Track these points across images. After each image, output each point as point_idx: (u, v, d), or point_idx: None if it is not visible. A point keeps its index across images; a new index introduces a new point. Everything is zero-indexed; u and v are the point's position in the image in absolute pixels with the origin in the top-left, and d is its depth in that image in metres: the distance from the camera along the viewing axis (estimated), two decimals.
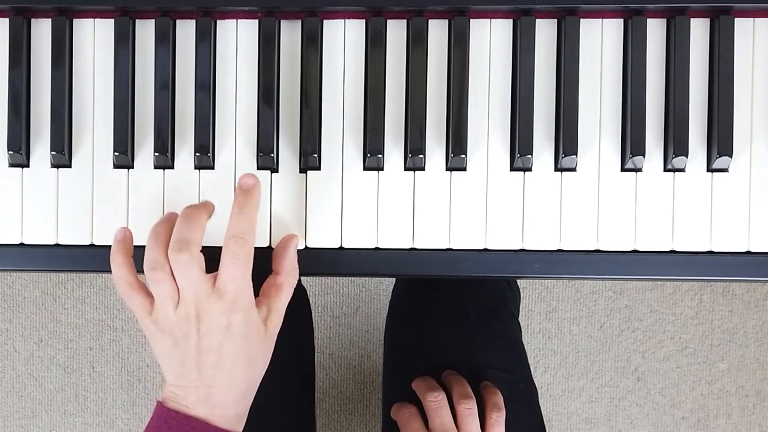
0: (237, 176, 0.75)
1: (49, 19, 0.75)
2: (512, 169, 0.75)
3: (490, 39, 0.75)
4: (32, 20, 0.76)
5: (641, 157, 0.74)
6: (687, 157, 0.74)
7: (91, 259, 0.76)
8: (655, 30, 0.75)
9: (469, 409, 0.87)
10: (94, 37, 0.76)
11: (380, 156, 0.74)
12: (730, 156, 0.73)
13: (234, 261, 0.68)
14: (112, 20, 0.75)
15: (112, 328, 1.55)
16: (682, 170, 0.75)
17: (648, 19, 0.74)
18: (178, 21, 0.76)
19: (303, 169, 0.76)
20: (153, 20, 0.75)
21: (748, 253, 0.75)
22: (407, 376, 0.93)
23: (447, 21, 0.75)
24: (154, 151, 0.74)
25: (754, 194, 0.75)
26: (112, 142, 0.75)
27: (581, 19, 0.74)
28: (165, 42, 0.74)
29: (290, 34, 0.76)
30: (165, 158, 0.75)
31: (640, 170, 0.75)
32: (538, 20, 0.75)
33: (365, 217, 0.75)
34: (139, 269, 0.71)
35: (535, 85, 0.74)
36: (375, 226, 0.75)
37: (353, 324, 1.55)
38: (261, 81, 0.75)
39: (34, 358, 1.55)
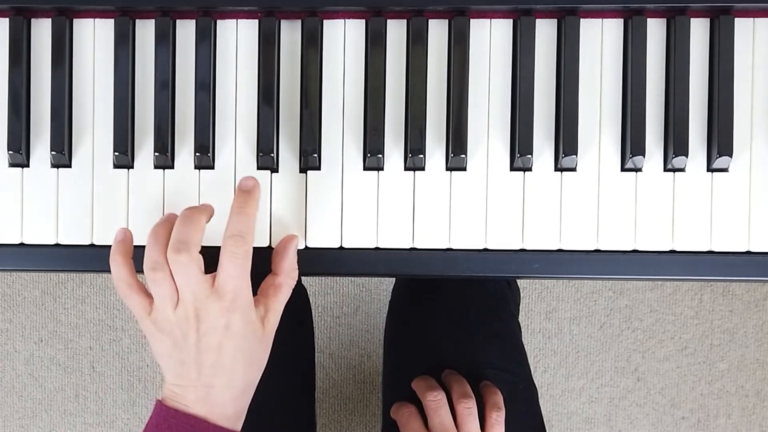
0: (237, 176, 0.75)
1: (49, 19, 0.75)
2: (512, 169, 0.75)
3: (490, 39, 0.75)
4: (32, 20, 0.76)
5: (641, 156, 0.74)
6: (687, 156, 0.74)
7: (91, 259, 0.76)
8: (655, 30, 0.75)
9: (468, 409, 0.87)
10: (94, 37, 0.76)
11: (380, 156, 0.74)
12: (730, 156, 0.73)
13: (233, 260, 0.68)
14: (112, 20, 0.75)
15: (112, 328, 1.55)
16: (682, 170, 0.75)
17: (648, 19, 0.74)
18: (178, 21, 0.76)
19: (303, 169, 0.76)
20: (153, 20, 0.75)
21: (748, 253, 0.75)
22: (407, 375, 0.93)
23: (447, 21, 0.75)
24: (154, 151, 0.74)
25: (754, 194, 0.75)
26: (112, 142, 0.75)
27: (581, 19, 0.74)
28: (165, 42, 0.75)
29: (290, 34, 0.76)
30: (165, 158, 0.75)
31: (640, 170, 0.75)
32: (538, 20, 0.75)
33: (365, 217, 0.75)
34: (139, 270, 0.71)
35: (535, 85, 0.74)
36: (375, 226, 0.75)
37: (353, 324, 1.55)
38: (261, 81, 0.75)
39: (34, 358, 1.55)
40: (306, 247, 0.75)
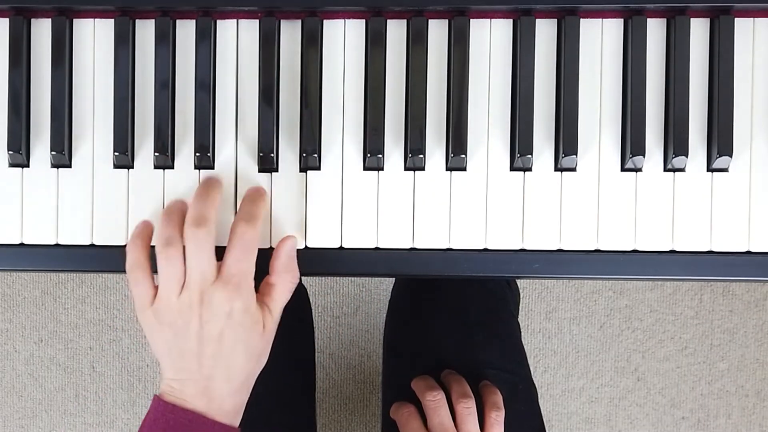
0: (237, 176, 0.75)
1: (49, 19, 0.75)
2: (512, 169, 0.75)
3: (490, 39, 0.75)
4: (32, 20, 0.76)
5: (641, 156, 0.74)
6: (687, 156, 0.74)
7: (91, 259, 0.76)
8: (655, 30, 0.75)
9: (467, 408, 0.87)
10: (94, 37, 0.76)
11: (380, 156, 0.74)
12: (730, 156, 0.73)
13: (241, 242, 0.69)
14: (112, 20, 0.75)
15: (112, 328, 1.55)
16: (682, 170, 0.75)
17: (648, 19, 0.74)
18: (178, 21, 0.76)
19: (303, 169, 0.76)
20: (153, 20, 0.75)
21: (748, 253, 0.75)
22: (407, 375, 0.93)
23: (447, 21, 0.75)
24: (154, 151, 0.74)
25: (754, 194, 0.75)
26: (112, 142, 0.75)
27: (581, 19, 0.74)
28: (165, 42, 0.75)
29: (290, 34, 0.75)
30: (165, 158, 0.75)
31: (640, 170, 0.75)
32: (538, 20, 0.75)
33: (365, 217, 0.75)
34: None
35: (535, 85, 0.74)
36: (375, 226, 0.75)
37: (353, 324, 1.55)
38: (261, 81, 0.75)
39: (34, 358, 1.55)
40: (306, 247, 0.75)
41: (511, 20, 0.75)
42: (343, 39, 0.75)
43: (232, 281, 0.69)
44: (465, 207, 0.75)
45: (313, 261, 0.75)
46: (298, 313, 1.05)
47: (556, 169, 0.75)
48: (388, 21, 0.75)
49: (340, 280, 1.54)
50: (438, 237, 0.75)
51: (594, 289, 1.55)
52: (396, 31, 0.75)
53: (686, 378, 1.56)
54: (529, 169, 0.75)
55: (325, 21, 0.75)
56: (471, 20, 0.75)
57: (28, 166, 0.76)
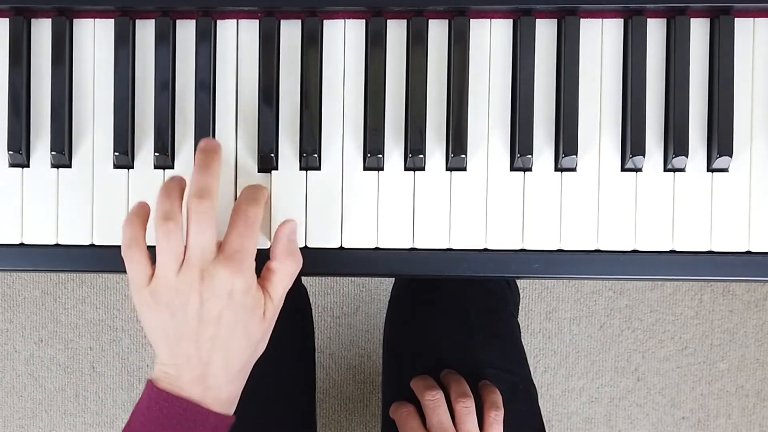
0: (237, 176, 0.75)
1: (49, 19, 0.75)
2: (512, 169, 0.75)
3: (490, 39, 0.75)
4: (32, 20, 0.76)
5: (641, 156, 0.74)
6: (687, 157, 0.74)
7: (91, 259, 0.76)
8: (655, 30, 0.75)
9: (466, 408, 0.87)
10: (94, 37, 0.76)
11: (380, 156, 0.74)
12: (730, 156, 0.73)
13: (244, 218, 0.68)
14: (112, 20, 0.75)
15: (112, 328, 1.55)
16: (682, 170, 0.75)
17: (648, 19, 0.74)
18: (178, 21, 0.76)
19: (303, 169, 0.76)
20: (153, 20, 0.75)
21: (748, 253, 0.75)
22: (407, 375, 0.94)
23: (447, 21, 0.75)
24: (154, 151, 0.74)
25: (754, 194, 0.75)
26: (112, 142, 0.75)
27: (581, 19, 0.74)
28: (165, 42, 0.75)
29: (290, 34, 0.76)
30: (165, 158, 0.75)
31: (640, 170, 0.75)
32: (538, 20, 0.75)
33: (365, 217, 0.75)
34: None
35: (535, 85, 0.74)
36: (375, 226, 0.75)
37: (353, 324, 1.55)
38: (261, 81, 0.75)
39: (34, 358, 1.55)
40: (306, 247, 0.75)
41: (511, 20, 0.75)
42: (343, 39, 0.75)
43: (234, 257, 0.67)
44: (465, 207, 0.75)
45: (313, 261, 0.75)
46: (298, 312, 1.05)
47: (556, 169, 0.75)
48: (388, 21, 0.75)
49: (340, 280, 1.54)
50: (438, 237, 0.75)
51: (594, 289, 1.55)
52: (396, 31, 0.75)
53: (686, 378, 1.56)
54: (530, 169, 0.75)
55: (325, 21, 0.75)
56: (471, 20, 0.75)
57: (28, 166, 0.76)
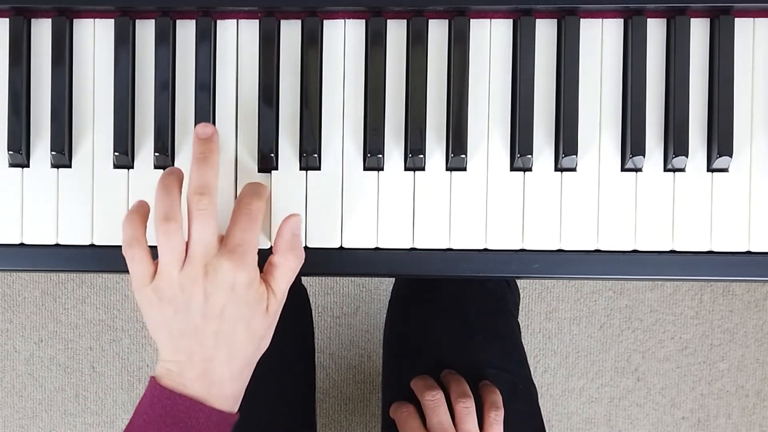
0: (237, 177, 0.75)
1: (49, 19, 0.75)
2: (512, 169, 0.75)
3: (490, 39, 0.75)
4: (32, 20, 0.76)
5: (641, 156, 0.74)
6: (687, 156, 0.74)
7: (91, 259, 0.76)
8: (655, 30, 0.75)
9: (466, 408, 0.87)
10: (94, 37, 0.76)
11: (380, 156, 0.74)
12: (730, 156, 0.73)
13: (246, 212, 0.68)
14: (112, 20, 0.75)
15: (112, 328, 1.55)
16: (682, 170, 0.75)
17: (648, 19, 0.74)
18: (178, 21, 0.76)
19: (303, 169, 0.76)
20: (153, 20, 0.75)
21: (748, 253, 0.75)
22: (407, 375, 0.94)
23: (447, 21, 0.75)
24: (154, 151, 0.74)
25: (754, 194, 0.75)
26: (112, 142, 0.75)
27: (581, 19, 0.74)
28: (165, 42, 0.75)
29: (290, 34, 0.76)
30: (165, 158, 0.75)
31: (640, 170, 0.75)
32: (538, 20, 0.75)
33: (365, 217, 0.75)
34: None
35: (535, 85, 0.74)
36: (375, 226, 0.75)
37: (353, 324, 1.55)
38: (261, 81, 0.75)
39: (34, 358, 1.55)
40: (306, 247, 0.75)
41: (511, 20, 0.75)
42: (343, 39, 0.75)
43: (237, 251, 0.67)
44: (465, 207, 0.75)
45: (313, 261, 0.75)
46: (298, 312, 1.05)
47: (556, 169, 0.75)
48: (388, 21, 0.75)
49: (340, 280, 1.54)
50: (438, 237, 0.75)
51: (594, 289, 1.55)
52: (396, 31, 0.75)
53: (686, 378, 1.56)
54: (530, 169, 0.75)
55: (325, 21, 0.75)
56: (471, 20, 0.75)
57: (28, 166, 0.76)
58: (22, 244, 0.76)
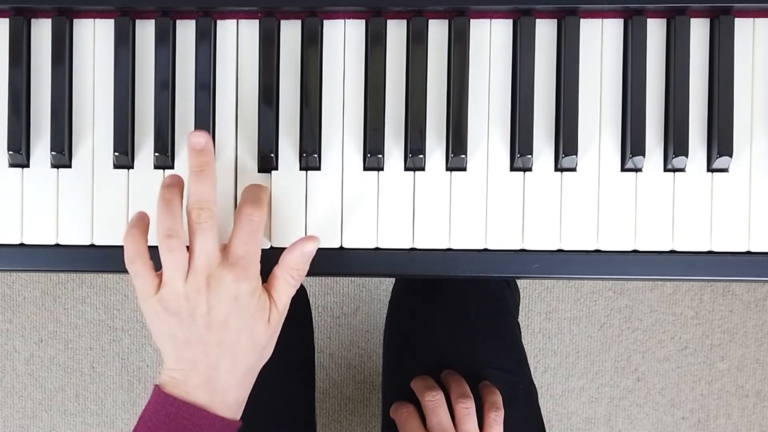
0: (237, 177, 0.75)
1: (49, 19, 0.75)
2: (512, 169, 0.75)
3: (490, 39, 0.75)
4: (32, 20, 0.76)
5: (641, 157, 0.74)
6: (687, 157, 0.74)
7: (91, 259, 0.76)
8: (655, 30, 0.75)
9: (466, 408, 0.87)
10: (94, 37, 0.76)
11: (380, 156, 0.74)
12: (730, 156, 0.73)
13: (248, 224, 0.69)
14: (112, 20, 0.75)
15: (112, 328, 1.55)
16: (682, 170, 0.75)
17: (648, 19, 0.74)
18: (178, 21, 0.76)
19: (303, 169, 0.76)
20: (153, 20, 0.75)
21: (748, 253, 0.75)
22: (407, 375, 0.94)
23: (447, 21, 0.75)
24: (154, 151, 0.74)
25: (754, 194, 0.75)
26: (112, 142, 0.75)
27: (581, 19, 0.74)
28: (165, 42, 0.75)
29: (290, 34, 0.75)
30: (165, 158, 0.75)
31: (640, 170, 0.75)
32: (538, 20, 0.75)
33: (365, 217, 0.75)
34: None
35: (535, 85, 0.74)
36: (375, 226, 0.75)
37: (353, 324, 1.55)
38: (261, 81, 0.75)
39: (34, 358, 1.55)
40: None
41: (511, 20, 0.75)
42: (343, 39, 0.75)
43: (239, 264, 0.69)
44: (465, 207, 0.75)
45: (313, 261, 0.75)
46: (297, 314, 1.05)
47: (556, 169, 0.75)
48: (388, 21, 0.75)
49: (340, 280, 1.54)
50: (438, 237, 0.75)
51: (594, 289, 1.55)
52: (396, 31, 0.75)
53: (686, 378, 1.55)
54: (529, 169, 0.75)
55: (325, 21, 0.75)
56: (471, 20, 0.75)
57: (28, 166, 0.76)
58: (22, 244, 0.76)
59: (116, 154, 0.74)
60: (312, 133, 0.74)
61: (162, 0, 0.74)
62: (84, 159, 0.76)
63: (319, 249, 0.75)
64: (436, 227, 0.75)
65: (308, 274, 0.75)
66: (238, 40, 0.76)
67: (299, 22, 0.75)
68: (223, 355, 0.69)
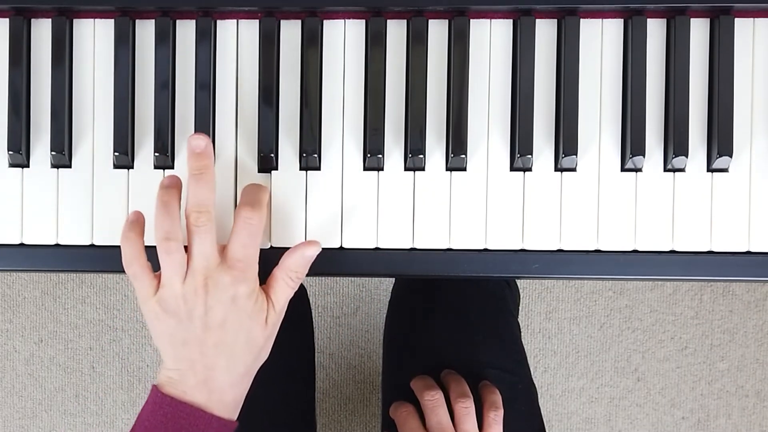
0: (237, 177, 0.75)
1: (49, 19, 0.75)
2: (512, 169, 0.75)
3: (490, 39, 0.75)
4: (32, 20, 0.76)
5: (641, 157, 0.74)
6: (687, 157, 0.74)
7: (91, 259, 0.76)
8: (655, 30, 0.75)
9: (466, 408, 0.87)
10: (94, 38, 0.76)
11: (380, 156, 0.74)
12: (730, 156, 0.73)
13: (246, 227, 0.69)
14: (112, 20, 0.75)
15: (112, 328, 1.55)
16: (682, 170, 0.75)
17: (648, 19, 0.74)
18: (178, 21, 0.76)
19: (303, 169, 0.76)
20: (153, 20, 0.75)
21: (748, 253, 0.75)
22: (407, 375, 0.94)
23: (447, 21, 0.75)
24: (154, 151, 0.74)
25: (754, 194, 0.75)
26: (112, 142, 0.75)
27: (581, 19, 0.74)
28: (165, 42, 0.75)
29: (290, 34, 0.76)
30: (165, 158, 0.75)
31: (640, 170, 0.75)
32: (538, 20, 0.75)
33: (365, 217, 0.75)
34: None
35: (535, 85, 0.74)
36: (375, 226, 0.75)
37: (353, 324, 1.55)
38: (261, 81, 0.75)
39: (34, 358, 1.55)
40: None
41: (511, 20, 0.75)
42: (343, 39, 0.75)
43: (237, 266, 0.69)
44: (465, 207, 0.75)
45: (313, 261, 0.75)
46: (297, 314, 1.05)
47: (556, 169, 0.75)
48: (388, 21, 0.75)
49: (340, 280, 1.54)
50: (438, 237, 0.75)
51: (594, 289, 1.55)
52: (396, 31, 0.75)
53: (686, 378, 1.55)
54: (529, 169, 0.75)
55: (325, 21, 0.75)
56: (471, 20, 0.75)
57: (28, 166, 0.76)
58: (22, 244, 0.76)
59: (116, 154, 0.74)
60: (312, 133, 0.74)
61: (162, 0, 0.74)
62: (84, 159, 0.76)
63: None
64: (436, 227, 0.75)
65: (308, 274, 0.75)
66: (238, 40, 0.76)
67: (299, 22, 0.75)
68: (220, 356, 0.70)
